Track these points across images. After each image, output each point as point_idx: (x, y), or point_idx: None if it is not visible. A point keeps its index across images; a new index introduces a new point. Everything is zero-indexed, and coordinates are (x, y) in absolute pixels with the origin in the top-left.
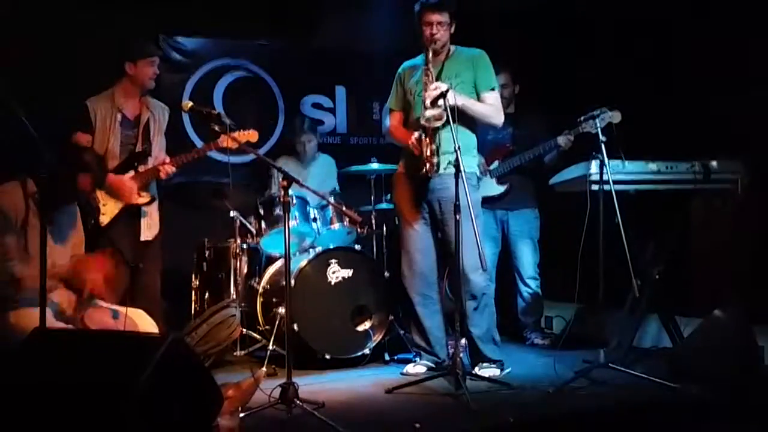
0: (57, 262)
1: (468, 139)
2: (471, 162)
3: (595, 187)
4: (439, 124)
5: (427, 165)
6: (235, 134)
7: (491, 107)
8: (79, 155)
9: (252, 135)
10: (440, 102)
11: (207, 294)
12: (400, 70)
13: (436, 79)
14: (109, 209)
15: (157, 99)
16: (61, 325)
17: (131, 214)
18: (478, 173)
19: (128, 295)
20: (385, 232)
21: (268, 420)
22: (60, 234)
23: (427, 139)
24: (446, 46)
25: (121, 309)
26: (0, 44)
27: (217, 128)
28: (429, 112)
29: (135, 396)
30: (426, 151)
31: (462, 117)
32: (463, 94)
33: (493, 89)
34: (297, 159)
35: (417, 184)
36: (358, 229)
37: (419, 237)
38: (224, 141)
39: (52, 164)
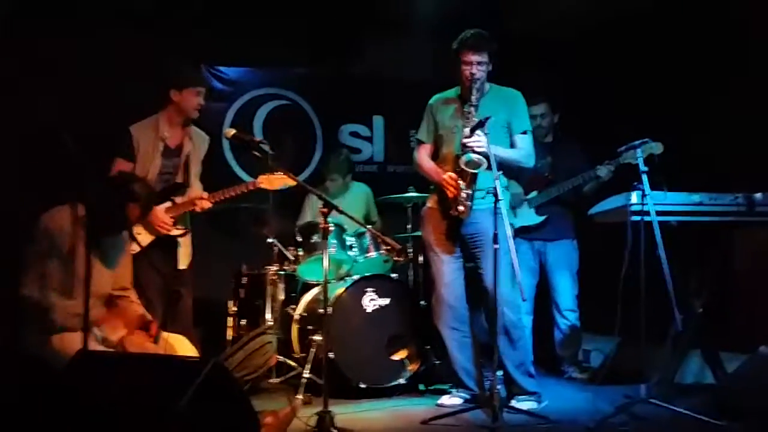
0: (103, 285)
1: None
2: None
3: (636, 218)
4: (479, 170)
5: (460, 208)
6: (275, 177)
7: (522, 152)
8: (131, 185)
9: (290, 180)
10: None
11: (243, 320)
12: (431, 101)
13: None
14: (142, 239)
15: (198, 127)
16: (102, 348)
17: (165, 242)
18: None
19: (167, 320)
20: (421, 261)
21: None
22: (107, 258)
23: (464, 183)
24: (483, 84)
25: (162, 334)
26: (46, 69)
27: (258, 155)
28: (467, 157)
29: (176, 419)
30: (461, 195)
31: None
32: (495, 135)
33: (525, 132)
34: (325, 193)
35: (450, 219)
36: (395, 258)
37: (449, 270)
38: (263, 182)
39: (99, 191)
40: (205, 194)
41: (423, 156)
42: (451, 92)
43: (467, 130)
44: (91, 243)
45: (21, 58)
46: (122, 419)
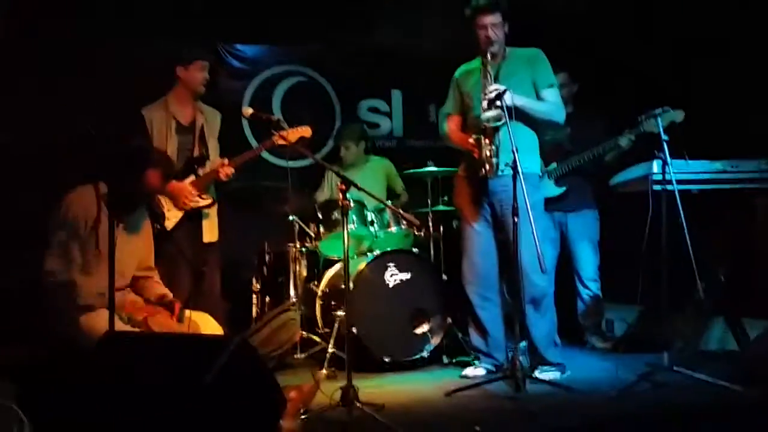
0: (128, 265)
1: (529, 138)
2: (533, 162)
3: (657, 187)
4: (498, 124)
5: (486, 166)
6: (290, 131)
7: (551, 104)
8: (145, 154)
9: (306, 131)
10: (498, 103)
11: (267, 297)
12: (456, 74)
13: (494, 82)
14: (173, 214)
15: (218, 106)
16: (128, 328)
17: (193, 218)
18: (540, 173)
19: (191, 298)
20: (442, 235)
21: (329, 422)
22: (131, 233)
23: (486, 140)
24: (502, 47)
25: (186, 312)
26: (60, 57)
27: (266, 117)
28: (487, 114)
29: (202, 396)
30: (485, 153)
31: (522, 117)
32: (521, 94)
33: (552, 86)
34: (341, 164)
35: (478, 186)
36: (416, 232)
37: (480, 238)
38: (279, 138)
39: (118, 165)
40: (226, 160)
41: (451, 127)
42: (475, 62)
43: (485, 103)
44: (115, 221)
45: (38, 48)
46: (149, 398)
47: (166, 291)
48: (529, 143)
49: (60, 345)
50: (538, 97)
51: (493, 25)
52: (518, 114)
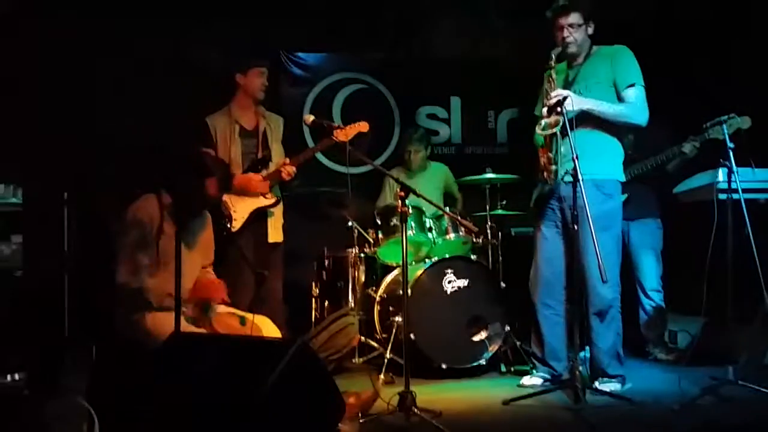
0: (188, 266)
1: (603, 143)
2: (608, 167)
3: (722, 196)
4: (552, 132)
5: (544, 173)
6: (347, 127)
7: (628, 106)
8: (203, 162)
9: (363, 126)
10: (559, 109)
11: (326, 302)
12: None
13: (572, 84)
14: (239, 214)
15: (280, 112)
16: (192, 329)
17: (257, 220)
18: (621, 180)
19: (254, 301)
20: (500, 242)
21: (387, 427)
22: (192, 239)
23: (545, 147)
24: (583, 49)
25: (248, 315)
26: (124, 72)
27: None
28: (544, 120)
29: (263, 398)
30: (543, 160)
31: (594, 121)
32: (590, 97)
33: (632, 85)
34: (405, 168)
35: (547, 191)
36: (474, 239)
37: (547, 244)
38: (338, 134)
39: (182, 176)
40: (287, 159)
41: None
42: (563, 64)
43: (545, 110)
44: (181, 228)
45: (104, 55)
46: (211, 397)
47: (214, 276)
48: (603, 148)
49: (128, 345)
50: (619, 98)
51: (570, 26)
52: (589, 118)
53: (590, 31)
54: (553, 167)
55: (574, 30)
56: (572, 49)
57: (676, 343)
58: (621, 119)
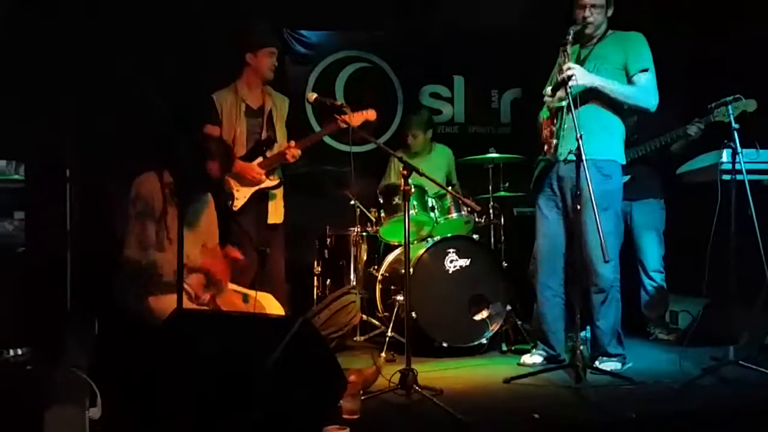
0: (191, 247)
1: (607, 122)
2: (610, 147)
3: (726, 177)
4: (556, 103)
5: (545, 147)
6: (354, 114)
7: (639, 89)
8: (205, 144)
9: (370, 114)
10: (570, 83)
11: (328, 280)
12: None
13: (582, 63)
14: (241, 194)
15: (282, 90)
16: (195, 307)
17: (259, 200)
18: (621, 162)
19: (256, 279)
20: (503, 222)
21: (388, 404)
22: (195, 220)
23: (548, 119)
24: (600, 30)
25: (251, 293)
26: (132, 46)
27: (330, 103)
28: (549, 90)
29: (265, 374)
30: (545, 132)
31: (601, 98)
32: (603, 76)
33: (644, 70)
34: (406, 151)
35: (548, 169)
36: (476, 219)
37: (548, 223)
38: (343, 121)
39: (185, 156)
40: (292, 142)
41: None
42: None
43: (549, 89)
44: (182, 207)
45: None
46: (214, 374)
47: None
48: (605, 128)
49: (132, 321)
50: (629, 82)
51: (592, 5)
52: (597, 95)
53: (610, 13)
54: (554, 141)
55: (596, 10)
56: (590, 29)
57: (677, 324)
58: (630, 101)
